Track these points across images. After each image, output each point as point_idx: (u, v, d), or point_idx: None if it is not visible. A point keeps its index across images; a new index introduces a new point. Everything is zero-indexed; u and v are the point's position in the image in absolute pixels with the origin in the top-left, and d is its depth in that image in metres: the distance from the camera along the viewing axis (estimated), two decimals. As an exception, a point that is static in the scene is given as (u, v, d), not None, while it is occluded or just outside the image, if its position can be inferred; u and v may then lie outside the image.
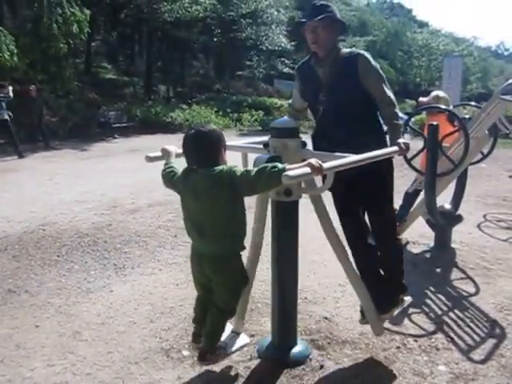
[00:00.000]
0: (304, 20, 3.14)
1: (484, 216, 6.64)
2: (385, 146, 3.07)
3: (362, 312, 3.29)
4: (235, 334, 3.11)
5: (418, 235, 5.53)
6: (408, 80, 52.65)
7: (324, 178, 2.65)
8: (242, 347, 3.07)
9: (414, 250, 5.27)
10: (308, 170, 2.26)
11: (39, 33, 13.56)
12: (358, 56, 3.11)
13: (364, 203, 3.26)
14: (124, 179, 8.83)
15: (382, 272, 3.33)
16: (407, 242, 5.41)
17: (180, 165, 2.75)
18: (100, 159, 11.84)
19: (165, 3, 20.28)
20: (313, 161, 2.29)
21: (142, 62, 27.15)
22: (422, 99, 5.80)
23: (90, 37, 20.68)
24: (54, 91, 15.96)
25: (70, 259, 4.89)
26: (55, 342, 3.35)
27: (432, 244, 5.29)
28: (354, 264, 3.13)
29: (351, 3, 48.79)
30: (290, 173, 2.21)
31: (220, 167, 2.50)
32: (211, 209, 2.52)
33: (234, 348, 2.99)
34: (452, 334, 3.47)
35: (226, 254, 2.65)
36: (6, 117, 12.11)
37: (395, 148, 3.00)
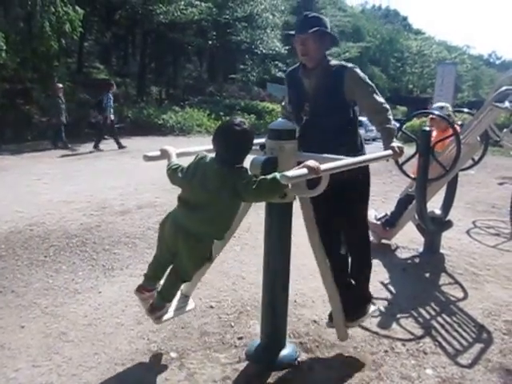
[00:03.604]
0: (293, 33, 3.16)
1: (473, 222, 6.67)
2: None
3: (330, 315, 3.30)
4: (184, 296, 3.35)
5: (407, 240, 5.54)
6: (400, 87, 53.02)
7: (310, 181, 2.64)
8: (188, 311, 3.36)
9: (404, 254, 5.28)
10: (305, 171, 2.27)
11: (31, 31, 13.46)
12: (345, 70, 3.12)
13: (339, 212, 3.24)
14: (113, 181, 8.78)
15: (351, 281, 3.36)
16: (397, 247, 5.42)
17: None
18: (90, 160, 11.79)
19: (160, 5, 20.22)
20: (310, 162, 2.31)
21: (134, 63, 27.07)
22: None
23: (83, 37, 20.59)
24: (45, 91, 15.84)
25: (58, 260, 4.84)
26: (41, 342, 3.31)
27: (421, 249, 5.30)
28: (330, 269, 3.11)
29: (346, 9, 48.93)
30: (288, 173, 2.24)
31: (232, 169, 2.54)
32: (212, 199, 2.57)
33: (181, 309, 3.27)
34: (440, 339, 3.48)
35: (206, 238, 2.74)
36: (113, 117, 13.66)
37: (389, 151, 3.02)
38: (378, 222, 5.44)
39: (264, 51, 26.21)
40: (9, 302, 3.90)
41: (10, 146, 13.19)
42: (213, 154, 2.67)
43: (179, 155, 2.92)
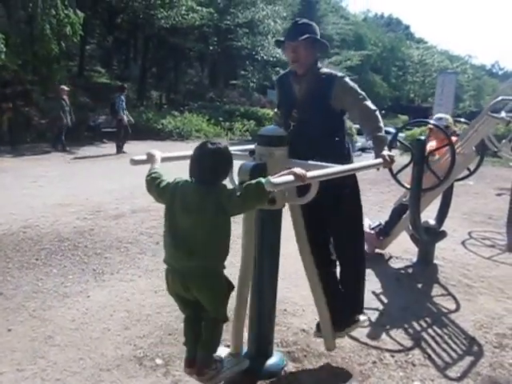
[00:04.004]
0: (283, 40, 3.15)
1: (469, 233, 6.63)
2: None
3: (318, 325, 3.25)
4: (233, 356, 2.97)
5: (401, 250, 5.51)
6: (402, 95, 53.10)
7: (299, 188, 2.62)
8: (242, 368, 2.90)
9: (397, 264, 5.24)
10: (291, 177, 2.24)
11: (32, 33, 13.46)
12: (334, 79, 3.11)
13: (330, 217, 3.21)
14: (110, 184, 8.76)
15: (340, 289, 3.31)
16: (390, 257, 5.39)
17: (164, 171, 2.72)
18: (87, 163, 11.81)
19: (161, 9, 20.25)
20: (296, 169, 2.27)
21: (136, 67, 27.09)
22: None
23: (85, 40, 20.60)
24: (45, 93, 15.86)
25: (49, 263, 4.81)
26: (27, 346, 3.29)
27: (415, 259, 5.26)
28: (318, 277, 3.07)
29: (348, 17, 49.02)
30: (274, 180, 2.19)
31: (211, 187, 2.45)
32: (200, 224, 2.43)
33: (233, 368, 2.85)
34: (429, 351, 3.44)
35: (211, 272, 2.54)
36: (125, 117, 13.87)
37: (379, 160, 2.99)
38: (372, 232, 5.41)
39: (265, 58, 26.16)
40: (-3, 305, 3.88)
41: (8, 147, 13.18)
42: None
43: (165, 160, 2.89)
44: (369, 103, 3.12)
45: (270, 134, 2.92)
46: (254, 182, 2.31)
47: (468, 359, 3.36)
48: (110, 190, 8.30)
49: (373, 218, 6.33)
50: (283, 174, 2.27)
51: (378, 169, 3.17)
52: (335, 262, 3.31)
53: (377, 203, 8.16)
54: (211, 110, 22.47)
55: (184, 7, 20.94)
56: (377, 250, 5.43)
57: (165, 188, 2.57)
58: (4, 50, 11.96)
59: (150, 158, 2.87)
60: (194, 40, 25.28)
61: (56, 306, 3.89)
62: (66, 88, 13.87)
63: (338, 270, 3.36)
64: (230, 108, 24.02)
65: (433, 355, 3.39)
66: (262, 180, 2.25)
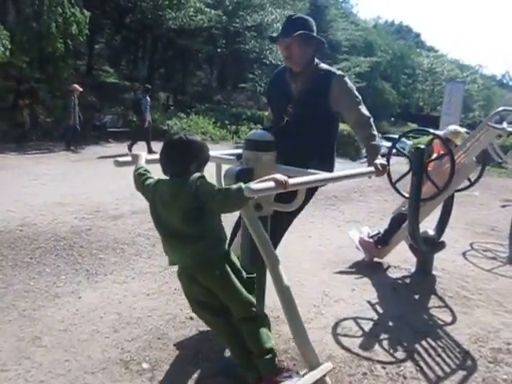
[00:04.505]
0: (276, 36, 3.10)
1: (471, 244, 6.53)
2: (328, 170, 2.93)
3: None
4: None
5: (400, 260, 5.43)
6: (411, 103, 53.00)
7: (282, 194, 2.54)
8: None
9: (395, 274, 5.16)
10: (272, 184, 2.19)
11: (39, 31, 13.47)
12: (332, 77, 3.05)
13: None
14: (111, 184, 8.70)
15: None
16: (388, 266, 5.32)
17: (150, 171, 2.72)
18: (90, 163, 11.80)
19: (169, 10, 20.27)
20: (278, 176, 2.22)
21: (144, 67, 27.18)
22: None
23: (93, 39, 20.64)
24: (51, 91, 15.90)
25: (43, 262, 4.78)
26: (13, 346, 3.24)
27: (413, 269, 5.18)
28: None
29: (358, 23, 49.01)
30: (254, 186, 2.15)
31: (185, 178, 2.43)
32: (176, 213, 2.44)
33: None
34: (422, 363, 3.36)
35: (208, 256, 2.49)
36: (150, 119, 14.08)
37: (371, 168, 2.95)
38: (371, 240, 5.35)
39: (273, 61, 26.08)
40: (-13, 304, 3.84)
41: (13, 145, 13.22)
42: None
43: (150, 161, 2.89)
44: (364, 109, 3.08)
45: (257, 139, 2.87)
46: (235, 186, 2.28)
47: (461, 373, 3.29)
48: (111, 190, 8.26)
49: (374, 225, 6.29)
50: (264, 180, 2.21)
51: (370, 177, 3.13)
52: None
53: (379, 211, 8.10)
54: (218, 113, 22.45)
55: (192, 9, 20.94)
56: (375, 259, 5.37)
57: (148, 186, 2.60)
58: (9, 47, 11.96)
59: (135, 159, 2.88)
60: (202, 42, 25.28)
61: (46, 306, 3.85)
62: (79, 88, 13.88)
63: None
64: (237, 111, 24.02)
65: (425, 368, 3.31)
66: (243, 186, 2.21)
